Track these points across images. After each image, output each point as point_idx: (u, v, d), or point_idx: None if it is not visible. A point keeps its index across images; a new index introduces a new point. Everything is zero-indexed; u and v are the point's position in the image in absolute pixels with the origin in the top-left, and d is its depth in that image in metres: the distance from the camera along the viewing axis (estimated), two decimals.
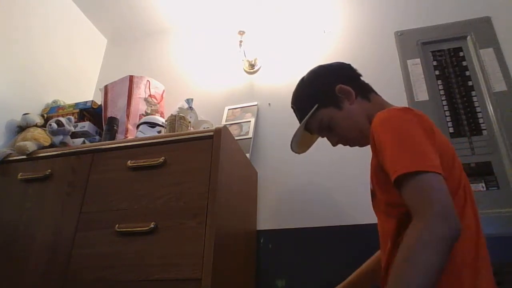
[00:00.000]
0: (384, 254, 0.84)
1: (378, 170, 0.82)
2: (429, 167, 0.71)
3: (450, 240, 0.65)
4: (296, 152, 1.17)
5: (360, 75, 1.10)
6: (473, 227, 0.76)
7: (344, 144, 1.04)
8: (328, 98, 1.02)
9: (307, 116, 1.04)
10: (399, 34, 1.77)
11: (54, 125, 1.50)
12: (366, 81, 1.10)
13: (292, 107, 1.13)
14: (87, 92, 2.20)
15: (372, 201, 0.95)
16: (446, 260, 0.64)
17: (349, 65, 1.13)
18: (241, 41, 1.92)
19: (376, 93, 1.07)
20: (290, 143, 1.11)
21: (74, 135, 1.60)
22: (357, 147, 1.04)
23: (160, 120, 1.56)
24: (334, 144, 1.06)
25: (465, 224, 0.73)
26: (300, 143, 1.16)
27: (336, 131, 1.02)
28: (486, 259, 0.76)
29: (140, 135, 1.50)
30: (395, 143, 0.78)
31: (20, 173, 1.39)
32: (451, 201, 0.68)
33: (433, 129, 0.82)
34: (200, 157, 1.20)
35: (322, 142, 1.63)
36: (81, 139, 1.60)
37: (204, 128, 1.59)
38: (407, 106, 0.97)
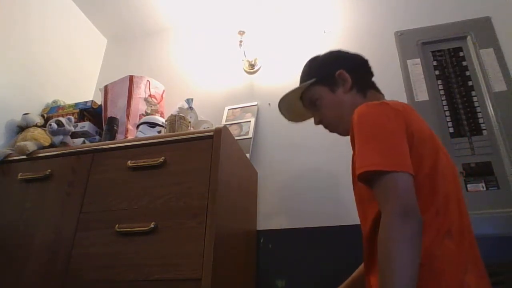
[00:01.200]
0: (365, 240, 0.86)
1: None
2: (397, 166, 0.73)
3: (410, 237, 0.67)
4: (285, 117, 1.20)
5: (370, 71, 1.12)
6: (456, 224, 0.76)
7: (324, 127, 1.08)
8: (327, 78, 1.06)
9: (303, 83, 1.09)
10: (399, 34, 1.77)
11: (54, 125, 1.50)
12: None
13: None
14: (87, 92, 2.20)
15: (354, 193, 0.95)
16: (414, 253, 0.66)
17: (365, 60, 1.14)
18: (241, 41, 1.92)
19: (378, 91, 1.08)
20: (278, 104, 1.16)
21: (74, 135, 1.60)
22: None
23: (160, 120, 1.56)
24: (316, 123, 1.10)
25: (448, 221, 0.75)
26: (294, 112, 1.19)
27: (320, 110, 1.06)
28: (474, 255, 0.76)
29: (140, 135, 1.50)
30: (368, 139, 0.80)
31: (20, 173, 1.38)
32: (413, 199, 0.70)
33: (409, 123, 0.83)
34: (200, 157, 1.20)
35: (322, 143, 1.64)
36: (81, 139, 1.60)
37: (204, 128, 1.59)
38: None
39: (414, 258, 0.66)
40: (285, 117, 1.21)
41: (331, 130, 1.07)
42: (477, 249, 0.79)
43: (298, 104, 1.16)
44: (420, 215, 0.69)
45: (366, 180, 0.77)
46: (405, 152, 0.77)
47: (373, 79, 1.12)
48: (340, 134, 1.05)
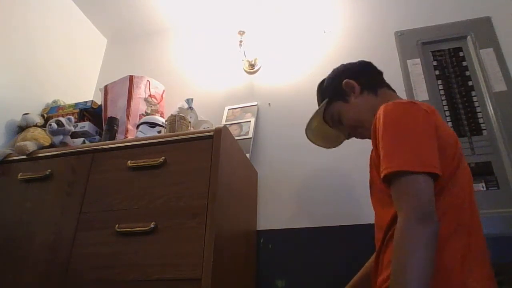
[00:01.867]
0: (377, 242, 0.86)
1: (378, 162, 0.82)
2: (421, 166, 0.73)
3: (426, 243, 0.67)
4: (324, 147, 1.27)
5: (375, 71, 1.15)
6: (466, 225, 0.76)
7: (355, 137, 1.12)
8: (337, 93, 1.10)
9: (319, 108, 1.14)
10: (399, 34, 1.77)
11: (54, 125, 1.50)
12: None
13: None
14: (87, 92, 2.20)
15: (370, 194, 0.95)
16: (427, 260, 0.66)
17: (368, 62, 1.19)
18: (241, 41, 1.92)
19: (389, 88, 1.10)
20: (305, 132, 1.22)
21: (74, 135, 1.60)
22: (359, 144, 1.06)
23: (160, 120, 1.56)
24: (346, 137, 1.16)
25: (459, 222, 0.75)
26: (330, 138, 1.23)
27: (344, 123, 1.09)
28: (481, 257, 0.76)
29: (140, 135, 1.50)
30: (393, 138, 0.79)
31: (20, 173, 1.38)
32: (431, 203, 0.70)
33: (438, 124, 0.82)
34: (200, 157, 1.20)
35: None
36: (81, 139, 1.60)
37: (204, 128, 1.59)
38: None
39: (428, 265, 0.65)
40: (324, 147, 1.27)
41: (360, 137, 1.10)
42: (486, 249, 0.79)
43: (329, 130, 1.20)
44: (437, 219, 0.69)
45: (389, 181, 0.76)
46: (432, 151, 0.76)
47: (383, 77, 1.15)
48: (367, 137, 1.01)
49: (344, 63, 1.20)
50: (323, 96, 1.16)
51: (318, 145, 1.25)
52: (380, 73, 1.15)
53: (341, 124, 1.11)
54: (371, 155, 0.89)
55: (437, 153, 0.76)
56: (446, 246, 0.71)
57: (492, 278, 0.76)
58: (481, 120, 1.48)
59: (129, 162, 1.26)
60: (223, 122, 1.82)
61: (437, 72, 1.63)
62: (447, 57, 1.65)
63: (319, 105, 1.18)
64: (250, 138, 1.70)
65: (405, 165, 0.73)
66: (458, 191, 0.79)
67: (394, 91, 1.10)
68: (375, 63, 1.73)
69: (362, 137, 1.08)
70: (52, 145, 1.52)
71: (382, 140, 0.79)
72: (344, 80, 1.08)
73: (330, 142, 1.25)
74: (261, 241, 1.50)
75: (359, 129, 1.06)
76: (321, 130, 1.20)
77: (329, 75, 1.19)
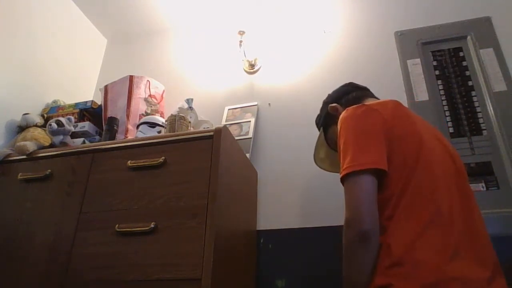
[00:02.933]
0: None
1: None
2: (358, 166, 0.83)
3: (355, 243, 0.79)
4: (330, 171, 1.38)
5: (356, 87, 1.21)
6: (441, 214, 0.79)
7: None
8: (328, 119, 1.22)
9: (318, 139, 1.29)
10: (399, 34, 1.77)
11: (54, 125, 1.50)
12: (366, 82, 1.20)
13: None
14: (87, 92, 2.20)
15: None
16: (361, 259, 0.78)
17: (348, 83, 1.26)
18: (241, 41, 1.92)
19: (374, 98, 1.15)
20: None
21: (74, 135, 1.60)
22: None
23: (160, 120, 1.56)
24: None
25: (431, 218, 0.78)
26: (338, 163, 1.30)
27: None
28: (470, 241, 0.78)
29: (140, 135, 1.50)
30: (341, 145, 0.90)
31: (20, 173, 1.38)
32: (366, 206, 0.79)
33: (391, 122, 0.89)
34: (200, 157, 1.20)
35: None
36: (81, 139, 1.60)
37: (204, 128, 1.59)
38: (404, 105, 1.03)
39: (357, 261, 0.79)
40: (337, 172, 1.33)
41: None
42: (479, 236, 0.81)
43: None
44: (362, 225, 0.78)
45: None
46: (372, 149, 0.85)
47: (373, 79, 1.20)
48: None
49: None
50: (318, 127, 1.30)
51: (334, 172, 1.31)
52: (362, 88, 1.20)
53: None
54: None
55: (380, 149, 0.84)
56: (418, 242, 0.75)
57: (486, 265, 0.76)
58: (481, 120, 1.48)
59: (129, 162, 1.26)
60: (223, 122, 1.82)
61: (437, 72, 1.63)
62: (447, 57, 1.65)
63: (319, 135, 1.30)
64: (250, 138, 1.70)
65: (346, 169, 0.84)
66: (424, 184, 0.82)
67: (377, 99, 1.15)
68: (375, 63, 1.75)
69: None
70: (52, 145, 1.52)
71: (339, 145, 0.91)
72: (328, 106, 1.18)
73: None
74: (261, 241, 1.50)
75: None
76: (331, 158, 1.31)
77: (322, 109, 1.29)
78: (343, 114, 0.95)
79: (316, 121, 1.33)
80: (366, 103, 0.97)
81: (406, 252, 0.75)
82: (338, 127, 0.94)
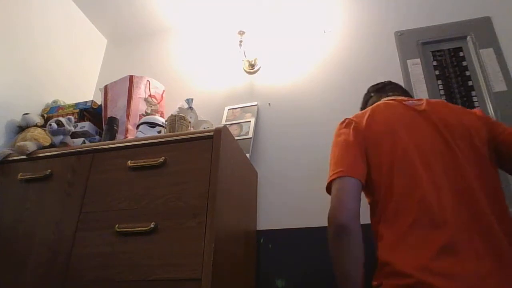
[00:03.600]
0: None
1: None
2: (334, 175, 0.93)
3: (334, 237, 0.85)
4: None
5: (374, 91, 1.28)
6: (426, 217, 0.80)
7: None
8: None
9: None
10: (399, 34, 1.77)
11: (54, 125, 1.50)
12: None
13: None
14: (87, 92, 2.20)
15: None
16: (340, 251, 0.84)
17: (367, 89, 1.34)
18: (241, 41, 1.92)
19: (387, 95, 1.19)
20: None
21: (74, 135, 1.60)
22: None
23: (160, 120, 1.56)
24: None
25: (415, 218, 0.80)
26: None
27: None
28: (452, 242, 0.76)
29: (140, 135, 1.50)
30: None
31: (20, 173, 1.38)
32: (340, 203, 0.87)
33: (366, 129, 0.97)
34: (200, 157, 1.20)
35: (322, 142, 1.64)
36: (81, 139, 1.60)
37: (204, 128, 1.59)
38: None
39: (345, 264, 0.83)
40: None
41: None
42: (485, 223, 0.78)
43: None
44: (337, 219, 0.85)
45: None
46: (345, 157, 0.95)
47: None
48: None
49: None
50: None
51: None
52: (379, 90, 1.25)
53: None
54: None
55: (351, 159, 0.93)
56: (400, 244, 0.78)
57: (484, 257, 0.75)
58: None
59: (129, 162, 1.26)
60: (223, 122, 1.82)
61: (437, 72, 1.63)
62: (447, 57, 1.65)
63: None
64: (250, 138, 1.70)
65: (328, 179, 0.95)
66: (405, 187, 0.84)
67: (389, 94, 1.19)
68: (375, 63, 1.76)
69: None
70: (52, 145, 1.52)
71: None
72: None
73: None
74: (261, 241, 1.50)
75: None
76: None
77: None
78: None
79: None
80: (350, 117, 1.06)
81: (389, 254, 0.79)
82: None
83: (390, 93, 1.19)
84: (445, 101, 1.29)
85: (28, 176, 1.37)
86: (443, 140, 0.92)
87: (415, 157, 0.88)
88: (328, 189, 0.96)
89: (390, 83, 1.28)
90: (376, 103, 1.08)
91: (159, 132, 1.51)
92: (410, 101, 1.05)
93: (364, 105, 1.29)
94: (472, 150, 0.90)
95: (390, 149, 0.90)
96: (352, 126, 1.00)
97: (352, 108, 1.68)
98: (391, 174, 0.87)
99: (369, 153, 0.93)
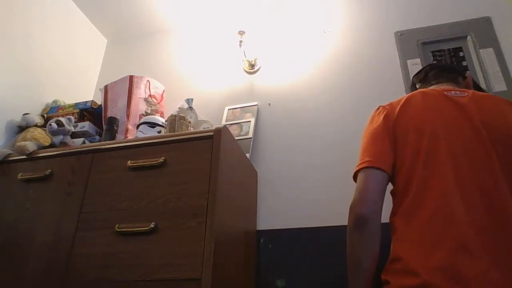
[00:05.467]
0: None
1: None
2: (361, 164, 0.93)
3: (354, 227, 0.87)
4: None
5: (422, 72, 1.23)
6: (442, 212, 0.78)
7: None
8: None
9: None
10: (399, 34, 1.77)
11: (54, 125, 1.50)
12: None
13: None
14: (87, 92, 2.20)
15: None
16: (358, 242, 0.85)
17: (422, 68, 1.27)
18: (241, 41, 1.92)
19: (429, 83, 1.16)
20: None
21: (74, 135, 1.60)
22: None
23: (160, 120, 1.56)
24: None
25: (433, 212, 0.78)
26: None
27: None
28: (462, 239, 0.74)
29: (140, 135, 1.50)
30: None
31: (20, 173, 1.38)
32: (364, 193, 0.88)
33: (397, 119, 0.95)
34: (200, 157, 1.20)
35: (322, 142, 1.64)
36: (81, 139, 1.60)
37: (204, 128, 1.59)
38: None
39: (354, 243, 0.86)
40: None
41: None
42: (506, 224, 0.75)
43: None
44: (358, 208, 0.86)
45: None
46: (373, 148, 0.94)
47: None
48: None
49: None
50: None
51: None
52: (421, 78, 1.22)
53: None
54: None
55: (379, 149, 0.92)
56: (414, 240, 0.77)
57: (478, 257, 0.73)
58: None
59: (129, 162, 1.26)
60: (223, 122, 1.82)
61: None
62: (447, 57, 1.65)
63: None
64: (250, 138, 1.70)
65: (355, 168, 0.95)
66: (427, 181, 0.83)
67: (433, 83, 1.15)
68: (375, 63, 1.76)
69: None
70: (52, 145, 1.52)
71: None
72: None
73: None
74: (261, 241, 1.50)
75: None
76: None
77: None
78: None
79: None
80: (383, 105, 1.04)
81: (402, 249, 0.77)
82: None
83: (434, 82, 1.13)
84: (498, 96, 1.15)
85: (28, 176, 1.37)
86: (478, 141, 0.85)
87: (443, 154, 0.84)
88: (355, 178, 0.96)
89: (431, 67, 1.18)
90: (413, 92, 1.03)
91: (159, 132, 1.51)
92: (452, 92, 0.98)
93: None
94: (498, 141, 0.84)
95: (415, 145, 0.88)
96: (383, 114, 0.98)
97: (352, 108, 1.69)
98: (412, 170, 0.85)
99: (397, 143, 0.92)
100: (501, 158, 0.82)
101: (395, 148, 0.92)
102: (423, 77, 1.20)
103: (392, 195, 0.94)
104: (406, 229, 0.80)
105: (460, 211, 0.76)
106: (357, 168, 0.94)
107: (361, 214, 0.85)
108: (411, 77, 1.63)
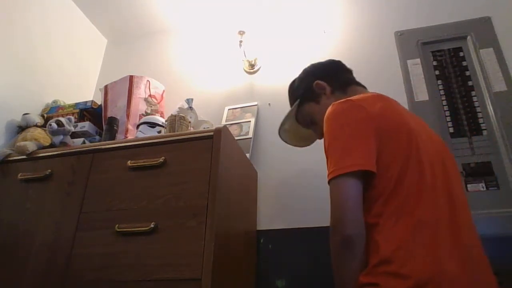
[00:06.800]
0: None
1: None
2: (342, 169, 0.80)
3: (339, 248, 0.80)
4: (295, 145, 1.33)
5: (344, 70, 1.17)
6: (429, 220, 0.77)
7: None
8: (308, 94, 1.12)
9: (291, 109, 1.17)
10: (399, 34, 1.77)
11: (54, 125, 1.50)
12: (366, 82, 1.16)
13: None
14: (87, 92, 2.20)
15: None
16: (347, 263, 0.78)
17: (337, 61, 1.19)
18: (241, 41, 1.92)
19: (359, 85, 1.11)
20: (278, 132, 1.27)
21: (74, 135, 1.60)
22: None
23: (160, 120, 1.56)
24: (319, 137, 1.15)
25: (419, 219, 0.76)
26: (302, 137, 1.28)
27: (318, 124, 1.09)
28: (466, 246, 0.76)
29: (140, 135, 1.50)
30: (327, 145, 0.87)
31: (20, 173, 1.38)
32: (349, 211, 0.78)
33: (379, 120, 0.85)
34: (200, 157, 1.20)
35: (321, 143, 1.64)
36: (81, 139, 1.60)
37: (204, 128, 1.59)
38: (401, 105, 1.00)
39: (341, 265, 0.80)
40: (298, 146, 1.33)
41: None
42: (467, 238, 0.78)
43: (301, 129, 1.23)
44: (345, 230, 0.77)
45: None
46: (357, 149, 0.82)
47: (373, 79, 1.18)
48: None
49: (314, 63, 1.23)
50: (294, 96, 1.19)
51: (292, 145, 1.31)
52: (349, 71, 1.17)
53: (314, 124, 1.14)
54: None
55: (367, 149, 0.81)
56: (408, 241, 0.74)
57: (467, 263, 0.75)
58: (481, 120, 1.48)
59: (129, 162, 1.26)
60: (223, 122, 1.82)
61: (437, 72, 1.63)
62: (447, 57, 1.65)
63: (291, 105, 1.21)
64: (250, 138, 1.70)
65: (332, 173, 0.81)
66: (416, 183, 0.80)
67: (364, 87, 1.12)
68: (375, 63, 1.75)
69: None
70: (52, 145, 1.52)
71: (325, 145, 0.87)
72: (315, 82, 1.10)
73: (303, 141, 1.31)
74: (261, 241, 1.50)
75: None
76: (295, 130, 1.25)
77: (300, 75, 1.21)
78: (329, 110, 0.90)
79: (291, 88, 1.22)
80: (352, 98, 0.90)
81: (395, 250, 0.73)
82: (324, 124, 0.89)
83: (361, 86, 1.11)
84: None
85: (28, 176, 1.37)
86: (438, 152, 0.90)
87: (425, 154, 0.84)
88: (329, 182, 0.83)
89: (343, 69, 1.15)
90: (374, 94, 0.97)
91: (159, 132, 1.51)
92: None
93: (332, 75, 1.12)
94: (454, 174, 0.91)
95: (406, 142, 0.84)
96: (363, 111, 0.85)
97: None
98: (405, 171, 0.80)
99: (381, 144, 0.83)
100: (449, 161, 0.90)
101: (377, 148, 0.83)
102: (350, 70, 1.16)
103: (370, 196, 0.84)
104: (396, 231, 0.76)
105: (442, 220, 0.78)
106: (341, 172, 0.80)
107: (350, 235, 0.77)
108: (411, 77, 1.64)
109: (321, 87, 1.10)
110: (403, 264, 0.71)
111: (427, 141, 0.89)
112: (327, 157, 0.85)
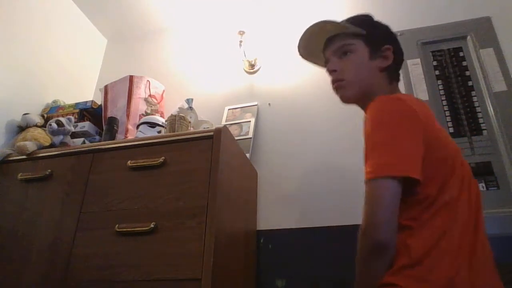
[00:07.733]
0: None
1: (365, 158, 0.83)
2: (387, 171, 0.74)
3: (369, 254, 0.74)
4: (300, 50, 1.17)
5: (401, 66, 1.06)
6: (456, 225, 0.76)
7: (333, 80, 1.02)
8: (375, 43, 0.99)
9: (351, 27, 1.03)
10: (399, 34, 1.76)
11: (54, 125, 1.50)
12: None
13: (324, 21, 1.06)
14: (87, 92, 2.20)
15: None
16: (375, 268, 0.74)
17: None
18: (241, 41, 1.92)
19: (398, 85, 1.04)
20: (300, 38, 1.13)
21: (74, 135, 1.60)
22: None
23: (160, 120, 1.56)
24: (329, 69, 1.03)
25: (447, 223, 0.75)
26: (312, 47, 1.13)
27: (344, 63, 0.99)
28: (475, 253, 0.76)
29: (140, 135, 1.50)
30: (370, 141, 0.80)
31: (20, 173, 1.38)
32: (385, 215, 0.73)
33: (429, 128, 0.81)
34: (200, 157, 1.20)
35: (322, 142, 1.64)
36: (81, 139, 1.60)
37: (204, 128, 1.59)
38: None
39: (368, 270, 0.75)
40: (304, 47, 1.16)
41: (337, 88, 1.01)
42: (485, 251, 0.79)
43: (319, 43, 1.09)
44: (378, 235, 0.72)
45: None
46: (405, 151, 0.76)
47: None
48: (341, 98, 1.01)
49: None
50: (363, 25, 1.04)
51: (302, 46, 1.17)
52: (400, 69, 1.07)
53: (340, 58, 1.00)
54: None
55: (418, 154, 0.76)
56: (438, 248, 0.73)
57: (487, 271, 0.76)
58: (481, 120, 1.48)
59: (129, 162, 1.26)
60: (223, 122, 1.82)
61: (437, 72, 1.63)
62: (447, 57, 1.65)
63: (352, 21, 1.07)
64: (250, 138, 1.70)
65: (374, 172, 0.75)
66: (455, 192, 0.79)
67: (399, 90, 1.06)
68: None
69: (338, 91, 1.01)
70: (52, 145, 1.52)
71: (366, 143, 0.81)
72: (390, 46, 0.98)
73: (310, 53, 1.18)
74: (261, 241, 1.50)
75: (348, 84, 0.98)
76: (316, 36, 1.10)
77: (382, 24, 1.09)
78: (376, 104, 0.82)
79: (367, 17, 1.12)
80: (404, 98, 0.84)
81: (425, 255, 0.72)
82: (373, 114, 0.82)
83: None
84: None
85: (28, 176, 1.37)
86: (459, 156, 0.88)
87: (460, 169, 0.83)
88: (369, 181, 0.76)
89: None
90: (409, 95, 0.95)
91: (159, 132, 1.51)
92: None
93: (396, 49, 1.01)
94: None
95: (446, 152, 0.82)
96: (413, 112, 0.80)
97: (352, 107, 1.68)
98: (449, 179, 0.79)
99: (426, 149, 0.78)
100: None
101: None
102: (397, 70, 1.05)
103: (411, 200, 0.80)
104: (428, 237, 0.75)
105: (468, 229, 0.78)
106: (386, 173, 0.74)
107: (382, 240, 0.72)
108: (411, 77, 1.64)
109: (387, 56, 0.97)
110: (429, 270, 0.71)
111: (459, 152, 0.87)
112: (371, 154, 0.78)
